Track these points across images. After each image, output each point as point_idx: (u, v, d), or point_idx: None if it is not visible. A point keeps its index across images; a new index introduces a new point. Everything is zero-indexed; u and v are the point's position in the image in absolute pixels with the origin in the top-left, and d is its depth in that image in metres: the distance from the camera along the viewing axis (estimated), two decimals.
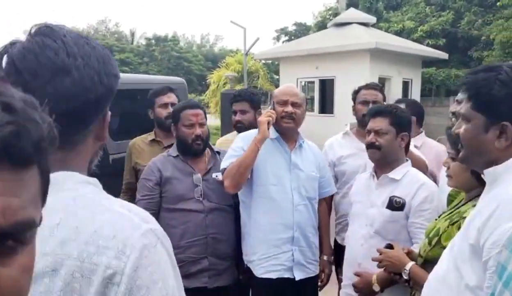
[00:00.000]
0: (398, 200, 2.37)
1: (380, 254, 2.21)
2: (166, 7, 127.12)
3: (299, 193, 2.75)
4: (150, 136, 3.42)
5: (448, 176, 2.04)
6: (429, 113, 16.08)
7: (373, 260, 2.23)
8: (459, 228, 1.77)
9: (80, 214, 0.83)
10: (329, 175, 2.99)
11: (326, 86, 15.43)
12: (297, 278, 2.72)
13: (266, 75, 21.97)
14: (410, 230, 2.39)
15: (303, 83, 16.11)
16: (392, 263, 2.15)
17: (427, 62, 17.58)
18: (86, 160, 0.94)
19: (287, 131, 2.79)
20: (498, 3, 16.46)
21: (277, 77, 24.54)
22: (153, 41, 50.03)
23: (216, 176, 2.82)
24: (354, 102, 3.26)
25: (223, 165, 2.70)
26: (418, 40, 18.33)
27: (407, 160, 2.54)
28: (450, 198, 2.27)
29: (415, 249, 2.28)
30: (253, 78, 20.91)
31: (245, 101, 3.42)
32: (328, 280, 2.95)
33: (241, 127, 3.35)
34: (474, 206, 1.80)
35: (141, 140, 3.41)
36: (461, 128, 1.38)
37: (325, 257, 2.94)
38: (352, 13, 16.84)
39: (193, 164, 2.83)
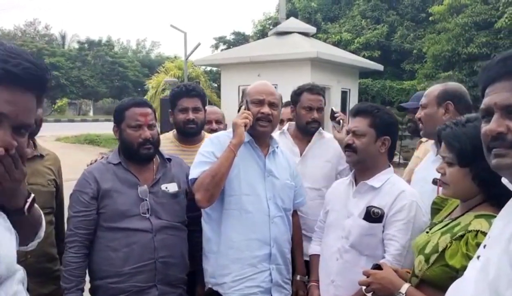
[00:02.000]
0: (376, 210, 2.19)
1: (368, 276, 1.94)
2: (100, 10, 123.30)
3: (275, 204, 2.45)
4: None
5: (443, 183, 1.82)
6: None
7: (360, 283, 1.97)
8: (466, 243, 1.60)
9: None
10: (301, 184, 2.71)
11: None
12: None
13: (207, 82, 21.66)
14: (384, 242, 2.20)
15: None
16: (382, 286, 1.89)
17: (364, 73, 18.07)
18: None
19: (262, 135, 2.48)
20: (430, 18, 17.23)
21: (215, 85, 24.31)
22: (86, 45, 48.13)
23: (166, 188, 2.46)
24: (295, 105, 3.03)
25: (193, 174, 2.34)
26: (354, 52, 18.81)
27: (389, 166, 2.36)
28: (435, 206, 2.07)
29: (386, 263, 2.10)
30: None
31: (198, 98, 2.97)
32: None
33: (192, 129, 2.94)
34: (478, 217, 1.65)
35: None
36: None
37: (298, 277, 2.63)
38: (292, 23, 16.99)
39: (138, 173, 2.42)
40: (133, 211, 2.35)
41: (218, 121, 3.50)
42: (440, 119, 2.46)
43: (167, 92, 17.48)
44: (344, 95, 16.47)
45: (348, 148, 2.29)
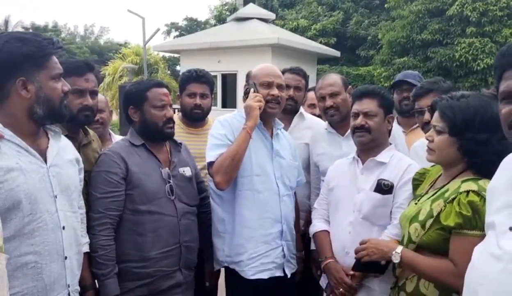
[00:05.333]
0: (386, 182, 2.31)
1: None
2: None
3: (283, 183, 2.55)
4: None
5: (430, 149, 1.97)
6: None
7: (356, 251, 2.15)
8: (459, 203, 1.76)
9: None
10: (300, 163, 2.82)
11: (228, 81, 15.40)
12: (289, 275, 2.52)
13: (165, 68, 21.35)
14: (392, 210, 2.32)
15: None
16: (377, 249, 2.06)
17: (322, 59, 18.35)
18: None
19: (272, 116, 2.56)
20: (385, 5, 17.68)
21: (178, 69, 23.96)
22: (31, 31, 46.08)
23: (183, 171, 2.48)
24: None
25: (210, 157, 2.37)
26: (311, 38, 19.04)
27: (390, 144, 2.49)
28: (415, 182, 2.22)
29: (391, 229, 2.26)
30: (152, 70, 20.12)
31: (207, 85, 3.03)
32: (302, 278, 2.73)
33: (198, 114, 3.01)
34: (465, 181, 1.80)
35: None
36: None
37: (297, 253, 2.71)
38: (252, 9, 17.00)
39: (158, 156, 2.43)
40: (160, 194, 2.33)
41: (100, 110, 2.87)
42: (349, 103, 2.69)
43: (125, 79, 17.09)
44: None
45: (360, 129, 2.38)
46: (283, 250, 2.51)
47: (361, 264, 2.16)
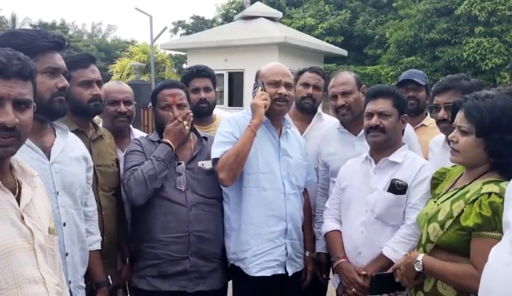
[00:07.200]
0: (400, 182, 2.30)
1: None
2: None
3: (289, 182, 2.56)
4: None
5: (454, 150, 1.94)
6: (329, 107, 16.91)
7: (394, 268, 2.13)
8: (480, 204, 1.75)
9: None
10: (310, 162, 2.82)
11: (235, 79, 15.41)
12: (290, 274, 2.53)
13: (172, 66, 21.39)
14: (405, 210, 2.32)
15: None
16: (406, 266, 2.02)
17: (328, 58, 18.31)
18: None
19: (279, 115, 2.58)
20: (393, 4, 17.61)
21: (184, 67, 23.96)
22: (39, 28, 46.24)
23: (202, 164, 2.53)
24: (295, 84, 3.10)
25: (215, 154, 2.42)
26: (318, 37, 19.01)
27: (404, 143, 2.48)
28: (434, 181, 2.22)
29: (404, 229, 2.26)
30: (159, 69, 20.15)
31: (208, 78, 3.09)
32: (312, 279, 2.73)
33: (205, 108, 3.04)
34: (487, 183, 1.79)
35: None
36: None
37: (307, 253, 2.73)
38: (259, 7, 16.99)
39: (177, 151, 2.51)
40: (171, 185, 2.44)
41: (127, 102, 2.78)
42: (361, 103, 2.65)
43: (133, 77, 17.13)
44: None
45: (375, 129, 2.36)
46: (286, 248, 2.53)
47: (376, 285, 2.19)
